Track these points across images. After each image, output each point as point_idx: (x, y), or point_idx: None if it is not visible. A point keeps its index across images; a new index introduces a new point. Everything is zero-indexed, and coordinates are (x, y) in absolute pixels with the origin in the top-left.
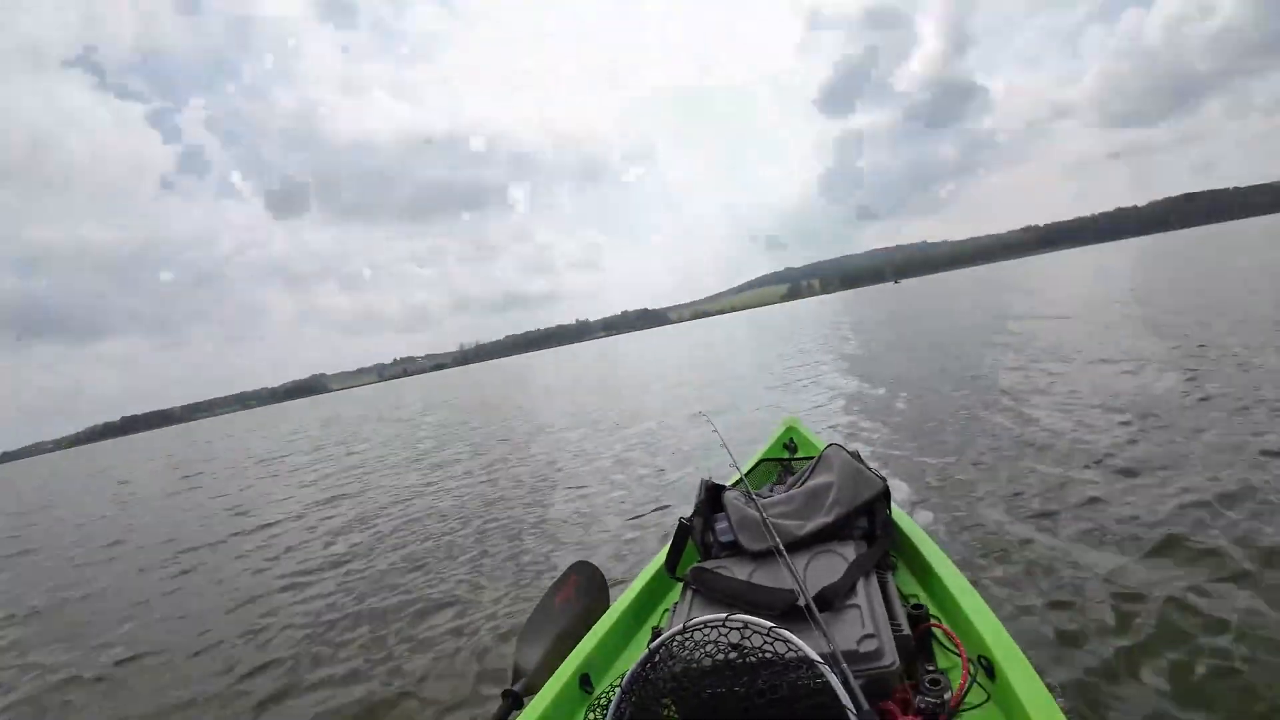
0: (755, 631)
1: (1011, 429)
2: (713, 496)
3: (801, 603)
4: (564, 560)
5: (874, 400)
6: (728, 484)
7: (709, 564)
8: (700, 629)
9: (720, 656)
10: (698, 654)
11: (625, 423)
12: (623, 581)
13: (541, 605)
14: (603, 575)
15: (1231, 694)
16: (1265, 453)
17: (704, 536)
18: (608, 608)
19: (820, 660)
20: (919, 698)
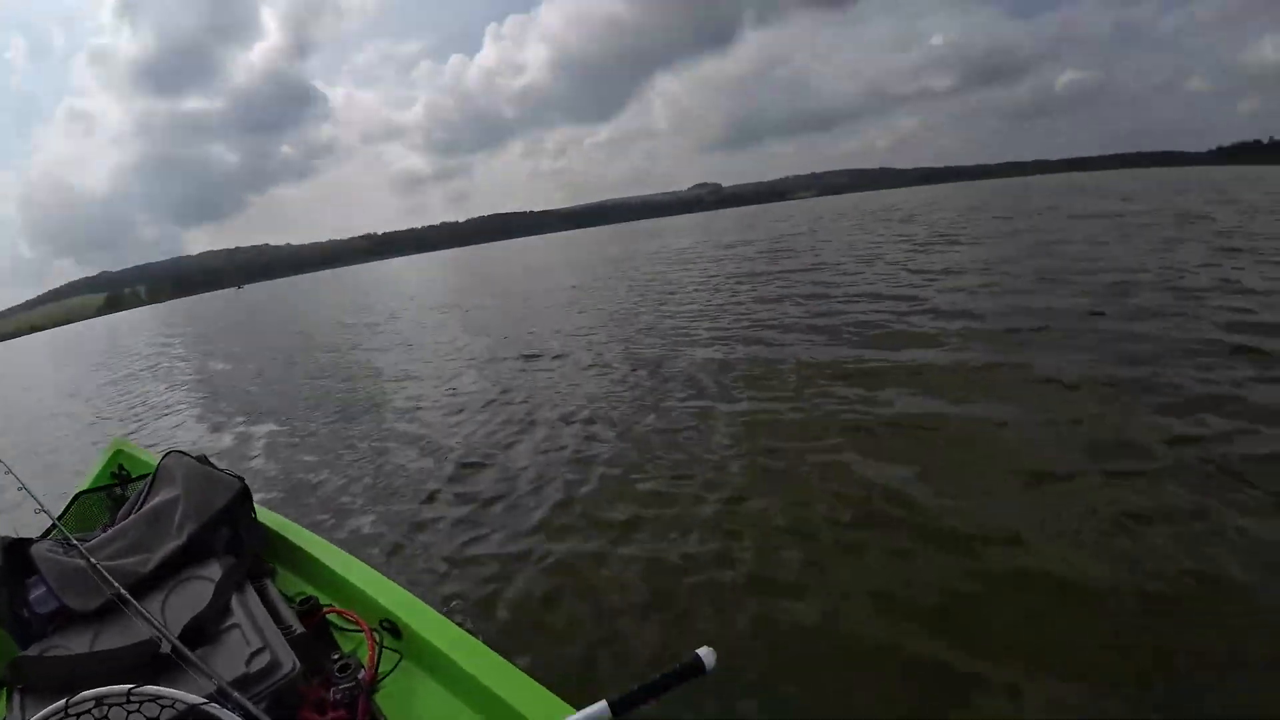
0: (113, 704)
1: (371, 420)
2: (16, 557)
3: (166, 648)
4: None
5: (225, 404)
6: (37, 536)
7: (34, 648)
8: None
9: None
10: None
11: None
12: None
13: None
14: None
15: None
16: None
17: (14, 613)
18: None
19: (205, 701)
20: (333, 690)
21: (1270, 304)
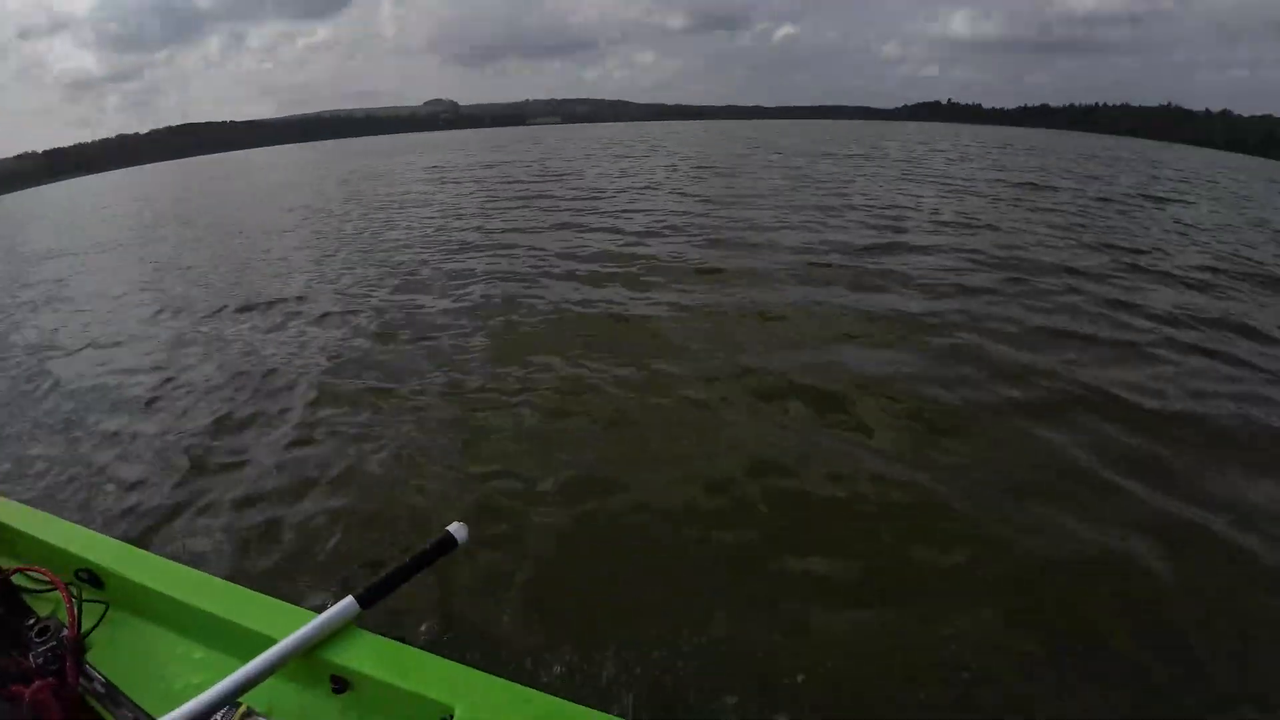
0: None
1: (44, 412)
2: None
3: None
4: None
5: None
6: None
7: None
8: None
9: None
10: None
11: None
12: None
13: None
14: None
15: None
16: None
17: None
18: None
19: None
20: (32, 655)
21: (1021, 240)
